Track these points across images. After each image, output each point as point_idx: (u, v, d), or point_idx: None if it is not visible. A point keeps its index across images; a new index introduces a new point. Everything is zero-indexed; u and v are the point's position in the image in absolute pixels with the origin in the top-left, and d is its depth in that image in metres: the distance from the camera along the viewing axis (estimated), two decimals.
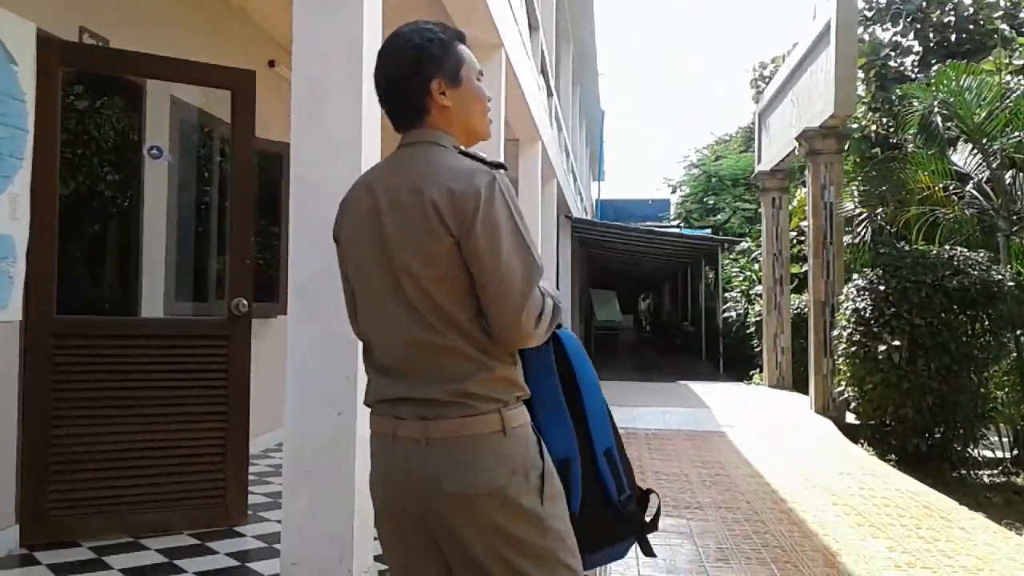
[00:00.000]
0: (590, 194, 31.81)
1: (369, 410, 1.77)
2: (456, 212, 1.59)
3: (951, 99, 9.53)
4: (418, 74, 1.74)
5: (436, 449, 1.62)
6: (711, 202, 29.66)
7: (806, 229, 12.76)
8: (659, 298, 40.43)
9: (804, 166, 12.22)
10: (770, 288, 13.76)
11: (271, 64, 6.52)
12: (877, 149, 13.43)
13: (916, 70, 14.44)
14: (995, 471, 8.48)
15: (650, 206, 36.51)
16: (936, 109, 9.94)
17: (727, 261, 20.34)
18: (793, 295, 13.89)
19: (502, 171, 1.68)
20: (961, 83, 9.45)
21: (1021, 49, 12.78)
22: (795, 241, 14.69)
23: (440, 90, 1.74)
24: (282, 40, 6.60)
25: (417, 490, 1.64)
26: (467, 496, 1.60)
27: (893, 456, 8.25)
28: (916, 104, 10.62)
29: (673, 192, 35.61)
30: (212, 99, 5.36)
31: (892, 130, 13.04)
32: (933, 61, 14.05)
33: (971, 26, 14.56)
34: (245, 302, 4.29)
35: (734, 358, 17.00)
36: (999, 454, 8.84)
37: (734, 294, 18.74)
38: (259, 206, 5.96)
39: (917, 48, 14.80)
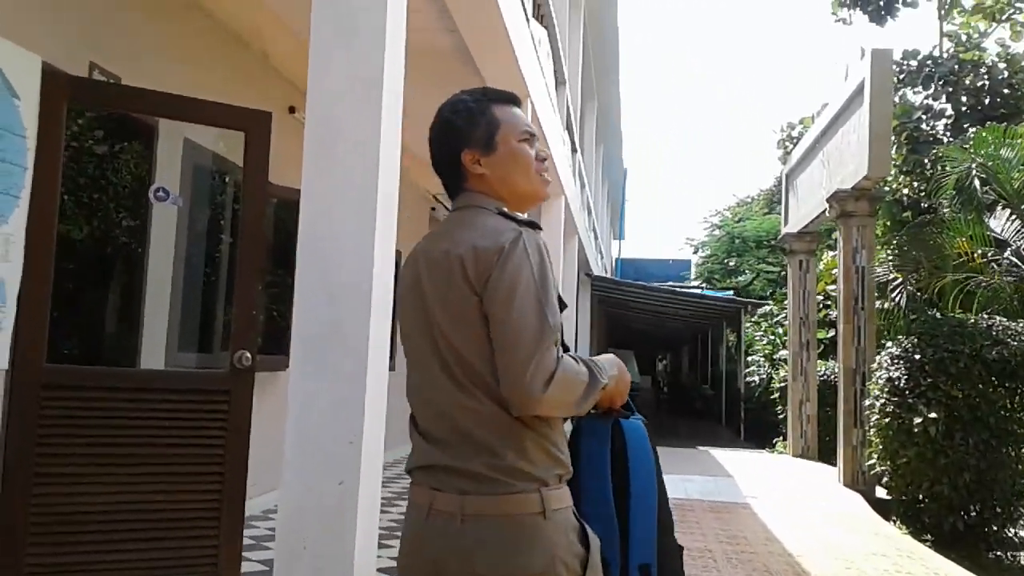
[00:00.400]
0: (610, 252, 31.74)
1: (410, 480, 1.73)
2: (479, 268, 1.58)
3: (989, 162, 9.27)
4: (447, 148, 1.76)
5: (471, 527, 1.56)
6: (733, 263, 29.34)
7: (833, 293, 12.43)
8: (677, 359, 40.01)
9: (832, 228, 11.95)
10: (796, 353, 13.29)
11: (291, 111, 6.35)
12: (908, 213, 13.15)
13: (948, 134, 14.20)
14: None
15: (671, 266, 36.32)
16: (974, 172, 9.66)
17: (749, 324, 19.97)
18: (819, 361, 13.47)
19: (533, 229, 1.66)
20: (1000, 146, 9.19)
21: None
22: (820, 305, 14.30)
23: (474, 160, 1.74)
24: (304, 87, 6.43)
25: (449, 567, 1.58)
26: None
27: (929, 536, 7.81)
28: (951, 167, 10.35)
29: (695, 252, 35.46)
30: (229, 144, 5.18)
31: (924, 194, 12.74)
32: (966, 125, 13.82)
33: (1006, 90, 14.37)
34: (249, 355, 4.02)
35: (756, 424, 16.56)
36: None
37: (756, 358, 18.34)
38: (273, 256, 5.75)
39: (949, 112, 14.58)
